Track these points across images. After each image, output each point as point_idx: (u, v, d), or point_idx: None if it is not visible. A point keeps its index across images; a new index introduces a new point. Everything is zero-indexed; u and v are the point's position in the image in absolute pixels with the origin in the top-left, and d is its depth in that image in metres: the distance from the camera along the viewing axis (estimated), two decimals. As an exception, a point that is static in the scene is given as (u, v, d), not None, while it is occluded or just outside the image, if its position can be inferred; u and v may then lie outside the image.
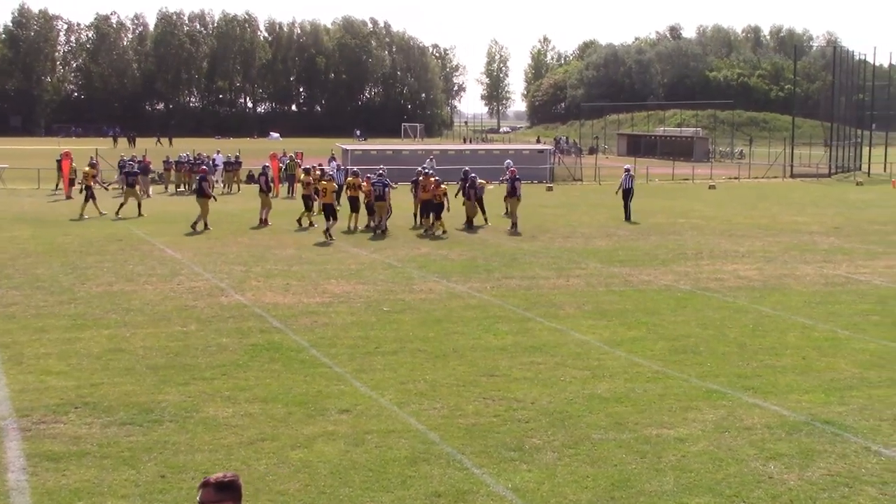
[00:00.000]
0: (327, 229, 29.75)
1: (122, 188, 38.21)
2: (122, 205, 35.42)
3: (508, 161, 41.47)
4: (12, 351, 15.17)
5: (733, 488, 9.87)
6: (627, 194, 36.05)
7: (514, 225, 32.25)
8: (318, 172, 35.44)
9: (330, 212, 30.07)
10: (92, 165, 38.99)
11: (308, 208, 32.95)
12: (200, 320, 17.56)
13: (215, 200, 33.44)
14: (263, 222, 33.00)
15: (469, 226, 32.69)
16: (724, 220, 36.19)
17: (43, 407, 12.31)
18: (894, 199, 48.48)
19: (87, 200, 35.09)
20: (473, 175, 33.65)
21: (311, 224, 32.49)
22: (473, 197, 33.02)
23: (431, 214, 31.12)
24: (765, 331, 17.24)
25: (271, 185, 35.92)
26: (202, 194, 32.08)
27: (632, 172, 37.16)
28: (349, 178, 33.31)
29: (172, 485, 9.82)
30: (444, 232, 30.75)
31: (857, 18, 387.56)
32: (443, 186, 31.24)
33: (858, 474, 10.27)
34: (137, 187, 37.23)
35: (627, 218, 35.46)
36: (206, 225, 31.72)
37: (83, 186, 36.09)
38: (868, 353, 15.60)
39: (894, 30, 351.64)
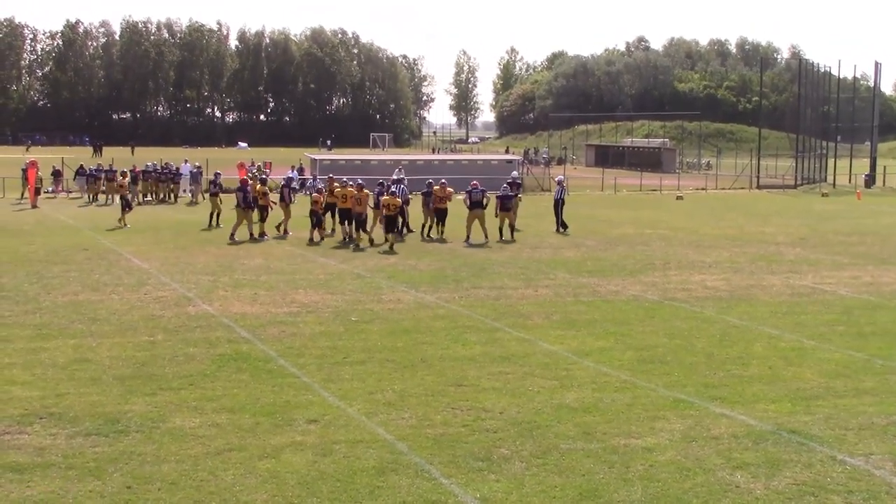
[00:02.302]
0: (349, 235, 30.68)
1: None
2: (236, 226, 31.79)
3: (515, 172, 42.79)
4: (-24, 361, 15.01)
5: (700, 498, 9.90)
6: (558, 204, 36.07)
7: (468, 238, 31.58)
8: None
9: (347, 217, 30.63)
10: (123, 174, 39.25)
11: (262, 219, 32.59)
12: (167, 330, 17.45)
13: (294, 202, 34.25)
14: (285, 232, 32.89)
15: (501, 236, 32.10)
16: (691, 231, 36.38)
17: (7, 417, 12.18)
18: (859, 211, 48.91)
19: (124, 210, 35.36)
20: (506, 186, 33.66)
21: (262, 234, 31.84)
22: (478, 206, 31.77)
23: (358, 225, 30.46)
24: (732, 341, 17.33)
25: (293, 197, 36.26)
26: (283, 199, 33.29)
27: (564, 184, 37.30)
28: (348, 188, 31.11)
29: (139, 496, 9.74)
30: (369, 243, 30.23)
31: (821, 32, 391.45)
32: (365, 191, 30.28)
33: (824, 483, 10.33)
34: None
35: (559, 227, 35.43)
36: (285, 230, 32.71)
37: (120, 196, 36.74)
38: (834, 363, 15.71)
39: (856, 43, 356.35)
